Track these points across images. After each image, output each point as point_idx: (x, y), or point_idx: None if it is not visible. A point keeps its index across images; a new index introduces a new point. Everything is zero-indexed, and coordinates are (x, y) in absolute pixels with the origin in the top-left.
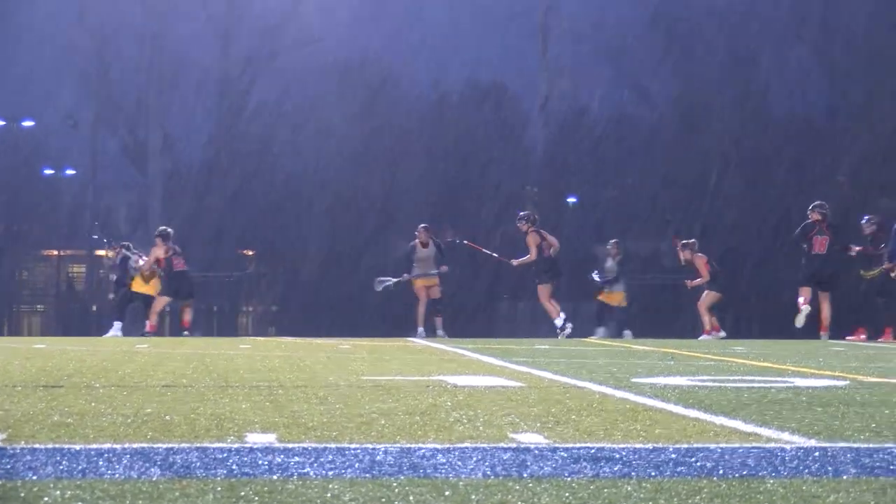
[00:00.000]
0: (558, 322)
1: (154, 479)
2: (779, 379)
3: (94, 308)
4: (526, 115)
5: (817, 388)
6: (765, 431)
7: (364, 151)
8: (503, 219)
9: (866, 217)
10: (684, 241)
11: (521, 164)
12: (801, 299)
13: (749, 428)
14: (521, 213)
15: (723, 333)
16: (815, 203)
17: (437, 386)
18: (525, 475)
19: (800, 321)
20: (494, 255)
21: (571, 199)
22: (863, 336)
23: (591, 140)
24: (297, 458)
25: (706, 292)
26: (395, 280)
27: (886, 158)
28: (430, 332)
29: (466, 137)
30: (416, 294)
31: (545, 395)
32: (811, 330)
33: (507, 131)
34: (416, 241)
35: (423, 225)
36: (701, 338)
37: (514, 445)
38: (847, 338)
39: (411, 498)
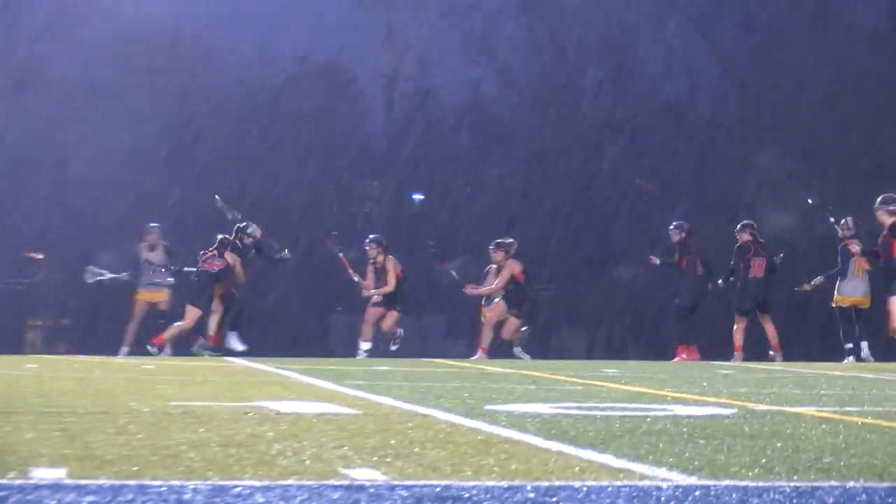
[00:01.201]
0: (365, 347)
1: None
2: (656, 406)
3: None
4: (366, 99)
5: (700, 417)
6: (638, 467)
7: (178, 139)
8: (341, 216)
9: (675, 223)
10: (499, 241)
11: (360, 154)
12: (737, 337)
13: (620, 463)
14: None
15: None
16: (745, 222)
17: (258, 413)
18: None
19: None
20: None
21: (418, 196)
22: (684, 356)
23: (442, 127)
24: (90, 497)
25: (498, 307)
26: (111, 275)
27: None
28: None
29: (297, 123)
30: (133, 307)
31: (384, 424)
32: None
33: (345, 117)
34: (144, 243)
35: (153, 224)
36: (477, 356)
37: (346, 482)
38: (674, 360)
39: None
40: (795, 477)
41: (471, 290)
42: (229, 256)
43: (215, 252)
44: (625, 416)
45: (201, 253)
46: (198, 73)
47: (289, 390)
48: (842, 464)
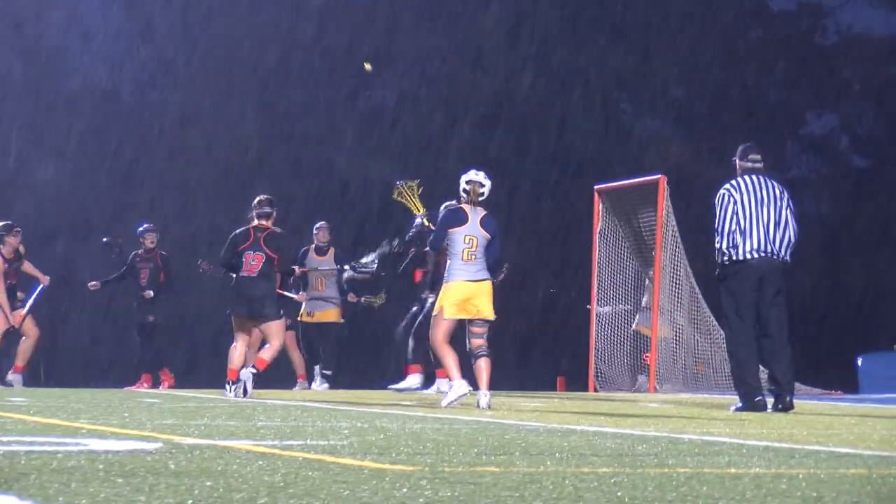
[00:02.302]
0: None
1: None
2: (69, 440)
3: None
4: None
5: (120, 452)
6: None
7: None
8: None
9: (145, 225)
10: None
11: None
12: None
13: None
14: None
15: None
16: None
17: None
18: None
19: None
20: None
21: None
22: (146, 385)
23: None
24: None
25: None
26: None
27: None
28: None
29: None
30: None
31: None
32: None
33: None
34: None
35: None
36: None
37: None
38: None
39: None
40: None
41: None
42: None
43: None
44: (32, 451)
45: None
46: None
47: None
48: None
